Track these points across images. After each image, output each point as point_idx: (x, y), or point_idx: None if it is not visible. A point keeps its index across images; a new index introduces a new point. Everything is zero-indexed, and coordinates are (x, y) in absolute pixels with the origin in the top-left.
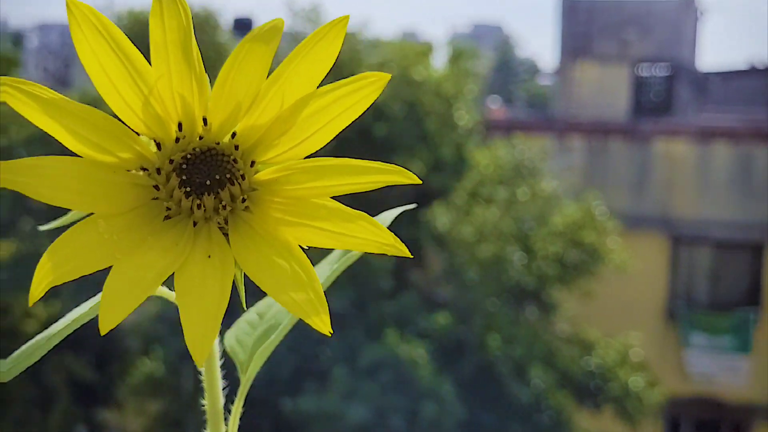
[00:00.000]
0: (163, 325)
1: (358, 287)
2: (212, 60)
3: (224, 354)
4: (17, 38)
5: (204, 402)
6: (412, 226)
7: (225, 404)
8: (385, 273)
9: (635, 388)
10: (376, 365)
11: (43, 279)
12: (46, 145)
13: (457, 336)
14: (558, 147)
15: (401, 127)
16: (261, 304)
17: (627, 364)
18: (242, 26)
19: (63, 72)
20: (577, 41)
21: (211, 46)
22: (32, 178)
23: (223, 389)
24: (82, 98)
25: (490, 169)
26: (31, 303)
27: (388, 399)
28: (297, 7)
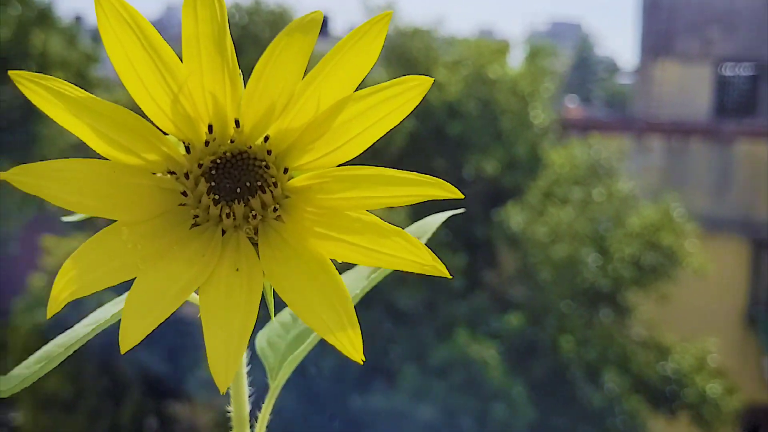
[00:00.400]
0: None
1: (429, 286)
2: None
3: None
4: (97, 35)
5: (229, 409)
6: (484, 225)
7: (252, 411)
8: (457, 272)
9: (712, 395)
10: (447, 365)
11: (63, 290)
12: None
13: (529, 337)
14: (636, 147)
15: (476, 125)
16: None
17: (704, 370)
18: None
19: None
20: (658, 39)
21: None
22: (55, 182)
23: (249, 396)
24: None
25: (565, 169)
26: (49, 316)
27: (457, 399)
28: (372, 5)
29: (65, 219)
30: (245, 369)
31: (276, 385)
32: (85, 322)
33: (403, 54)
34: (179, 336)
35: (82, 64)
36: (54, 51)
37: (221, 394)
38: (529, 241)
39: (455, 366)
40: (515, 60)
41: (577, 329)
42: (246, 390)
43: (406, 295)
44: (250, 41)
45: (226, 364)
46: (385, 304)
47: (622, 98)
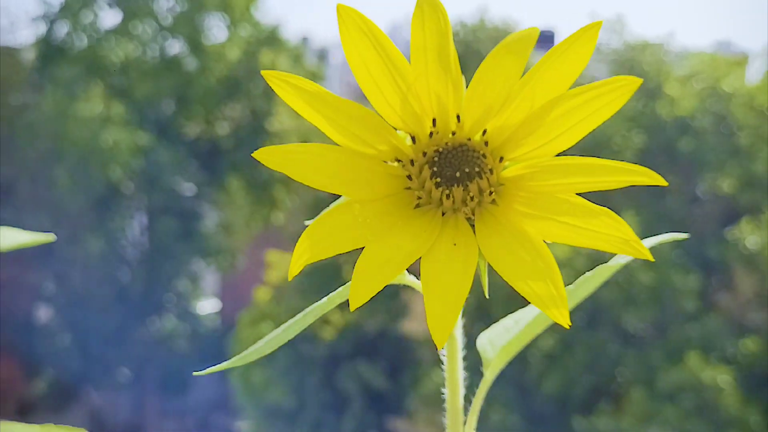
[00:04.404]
0: None
1: (660, 307)
2: None
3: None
4: (322, 54)
5: (444, 391)
6: (719, 244)
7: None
8: (690, 294)
9: None
10: (677, 389)
11: (302, 255)
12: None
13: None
14: None
15: (710, 141)
16: (518, 313)
17: None
18: (544, 39)
19: None
20: None
21: None
22: (298, 162)
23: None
24: None
25: None
26: (290, 277)
27: (689, 425)
28: (600, 18)
29: (307, 223)
30: (461, 356)
31: (490, 375)
32: (312, 306)
33: (633, 68)
34: (401, 353)
35: None
36: (281, 70)
37: (438, 349)
38: (767, 262)
39: (686, 390)
40: (755, 73)
41: None
42: (461, 377)
43: (635, 315)
44: (473, 56)
45: (443, 324)
46: (612, 325)
47: None
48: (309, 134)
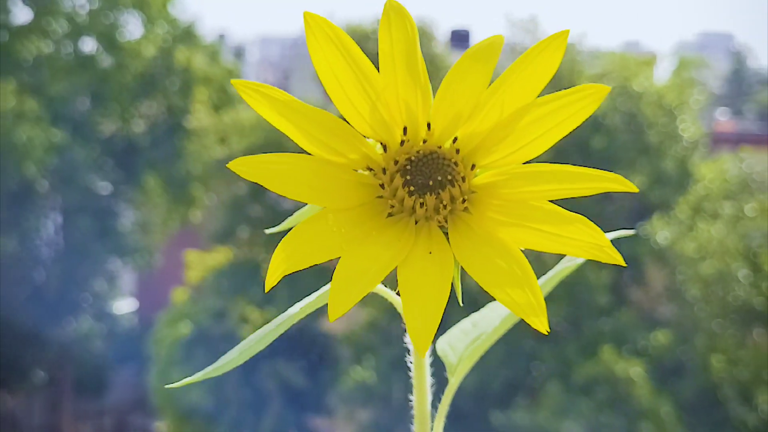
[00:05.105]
0: (374, 334)
1: (574, 303)
2: (429, 70)
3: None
4: (239, 51)
5: (411, 398)
6: (630, 240)
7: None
8: (603, 289)
9: None
10: (592, 382)
11: (278, 266)
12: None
13: (677, 356)
14: None
15: (621, 139)
16: (476, 315)
17: None
18: (459, 38)
19: (283, 84)
20: None
21: (426, 56)
22: (273, 173)
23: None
24: None
25: (715, 183)
26: (267, 289)
27: (603, 417)
28: (515, 19)
29: (267, 231)
30: (428, 363)
31: (456, 379)
32: (292, 309)
33: None
34: (321, 351)
35: (224, 79)
36: (198, 67)
37: (421, 358)
38: (677, 257)
39: (600, 383)
40: (663, 73)
41: (728, 348)
42: (428, 382)
43: (550, 311)
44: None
45: (424, 332)
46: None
47: None
48: (227, 131)
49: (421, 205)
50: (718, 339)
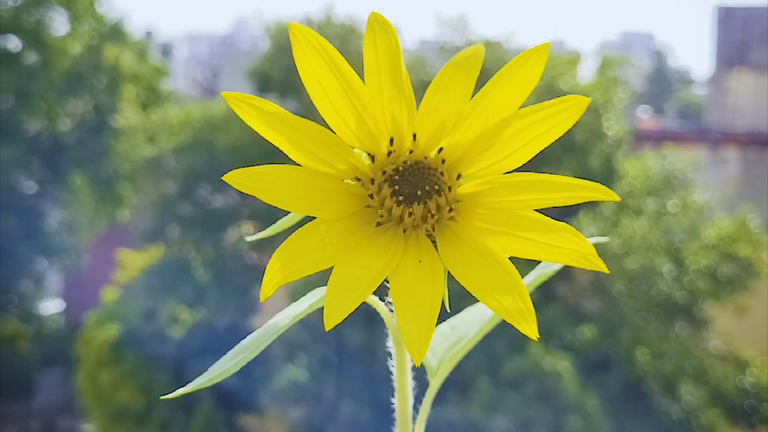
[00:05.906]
0: (306, 332)
1: None
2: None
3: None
4: (166, 49)
5: (394, 401)
6: None
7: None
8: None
9: None
10: (520, 377)
11: (273, 278)
12: (193, 152)
13: (603, 350)
14: (712, 158)
15: None
16: (455, 319)
17: None
18: None
19: (211, 82)
20: (733, 50)
21: (356, 56)
22: (267, 184)
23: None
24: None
25: (639, 180)
26: (262, 300)
27: (531, 411)
28: (444, 17)
29: (248, 238)
30: (409, 367)
31: (436, 381)
32: (281, 315)
33: None
34: None
35: (152, 77)
36: (126, 65)
37: (416, 366)
38: (602, 252)
39: (528, 378)
40: (587, 71)
41: (652, 342)
42: (410, 387)
43: None
44: None
45: (420, 340)
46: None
47: (696, 109)
48: (155, 130)
49: (410, 214)
50: (643, 333)
